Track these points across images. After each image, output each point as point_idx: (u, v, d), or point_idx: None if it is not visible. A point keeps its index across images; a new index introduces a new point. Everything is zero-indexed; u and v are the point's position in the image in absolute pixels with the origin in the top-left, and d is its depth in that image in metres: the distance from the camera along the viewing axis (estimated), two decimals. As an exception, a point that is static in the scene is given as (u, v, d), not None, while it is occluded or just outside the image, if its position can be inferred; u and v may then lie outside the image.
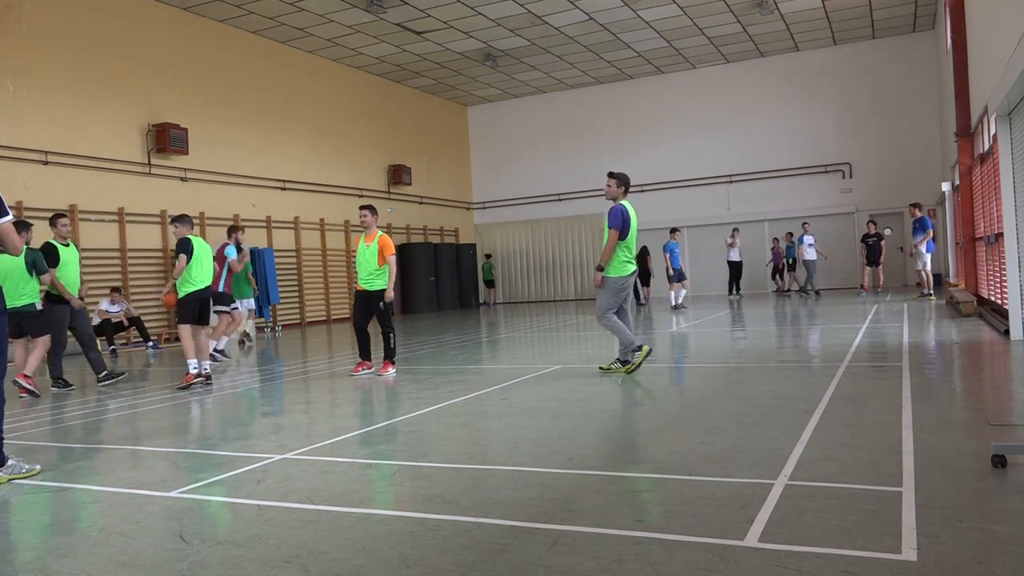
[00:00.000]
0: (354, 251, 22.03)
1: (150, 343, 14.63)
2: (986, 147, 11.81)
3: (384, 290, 8.81)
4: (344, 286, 21.94)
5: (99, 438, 5.96)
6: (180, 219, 8.91)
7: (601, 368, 8.08)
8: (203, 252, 8.83)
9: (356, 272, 9.05)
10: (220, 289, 11.47)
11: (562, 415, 5.75)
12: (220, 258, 11.46)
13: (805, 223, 20.55)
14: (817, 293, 20.17)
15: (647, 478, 3.91)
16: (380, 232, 8.90)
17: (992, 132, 10.15)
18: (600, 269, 7.89)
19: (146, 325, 14.93)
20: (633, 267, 7.94)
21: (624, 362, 7.87)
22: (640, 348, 7.87)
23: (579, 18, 19.65)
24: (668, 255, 18.32)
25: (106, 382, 9.14)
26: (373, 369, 8.88)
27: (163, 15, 17.01)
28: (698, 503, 3.44)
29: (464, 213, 28.26)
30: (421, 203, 25.54)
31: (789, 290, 22.21)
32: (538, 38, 21.06)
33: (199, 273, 8.71)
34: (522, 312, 21.36)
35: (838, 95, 23.58)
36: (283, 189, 20.00)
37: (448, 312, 23.40)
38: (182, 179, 17.20)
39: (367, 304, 8.88)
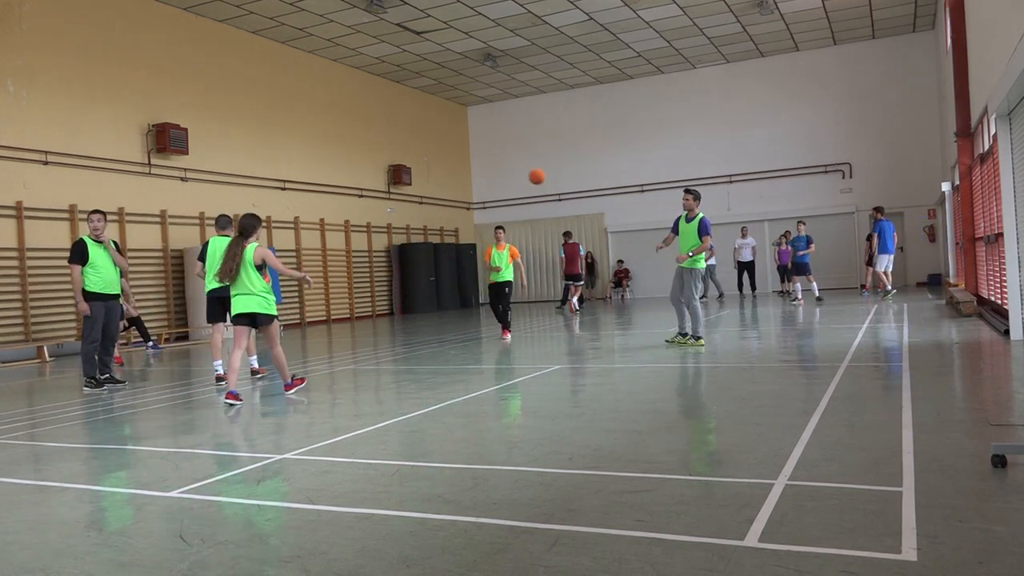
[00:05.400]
0: (355, 250, 22.55)
1: (150, 343, 14.62)
2: (986, 147, 11.80)
3: (510, 281, 12.19)
4: (344, 286, 21.94)
5: (99, 438, 5.96)
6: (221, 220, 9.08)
7: (667, 341, 10.10)
8: (217, 251, 8.59)
9: (489, 270, 12.19)
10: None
11: (562, 415, 5.75)
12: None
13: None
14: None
15: (647, 478, 3.91)
16: (508, 244, 12.33)
17: (992, 132, 10.15)
18: (686, 257, 9.83)
19: (146, 325, 14.92)
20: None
21: (697, 337, 9.73)
22: (685, 335, 9.87)
23: (579, 18, 19.65)
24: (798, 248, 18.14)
25: (100, 387, 8.75)
26: (509, 336, 12.12)
27: (163, 15, 17.01)
28: (698, 503, 3.44)
29: (464, 213, 28.26)
30: (421, 203, 25.54)
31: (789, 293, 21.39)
32: (538, 38, 21.06)
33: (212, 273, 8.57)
34: (522, 312, 21.35)
35: (838, 95, 23.56)
36: (283, 189, 20.01)
37: (448, 312, 23.39)
38: (182, 179, 17.20)
39: (499, 292, 12.25)
